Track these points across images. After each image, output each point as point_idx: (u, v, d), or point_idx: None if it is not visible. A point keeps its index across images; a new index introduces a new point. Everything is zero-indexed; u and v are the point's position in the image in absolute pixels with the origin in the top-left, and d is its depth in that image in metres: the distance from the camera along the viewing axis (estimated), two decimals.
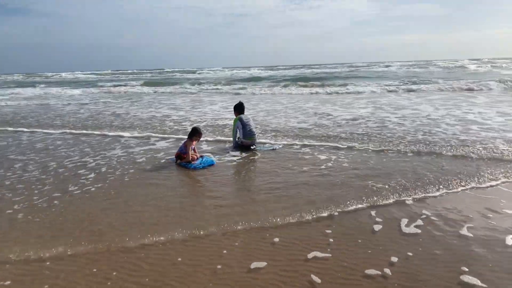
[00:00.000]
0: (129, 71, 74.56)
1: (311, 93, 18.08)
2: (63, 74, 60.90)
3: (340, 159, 5.84)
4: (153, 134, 8.46)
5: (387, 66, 47.39)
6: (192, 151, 6.08)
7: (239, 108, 7.15)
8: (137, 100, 17.93)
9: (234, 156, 6.43)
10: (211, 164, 5.88)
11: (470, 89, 16.51)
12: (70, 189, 4.89)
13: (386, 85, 19.74)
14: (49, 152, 7.16)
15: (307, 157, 6.09)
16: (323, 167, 5.47)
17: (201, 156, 6.15)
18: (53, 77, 54.07)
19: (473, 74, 29.41)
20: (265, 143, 7.17)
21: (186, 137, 6.27)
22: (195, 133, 6.14)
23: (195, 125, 6.66)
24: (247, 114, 7.22)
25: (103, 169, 5.78)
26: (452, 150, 6.09)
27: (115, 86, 28.20)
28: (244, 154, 6.48)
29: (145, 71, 78.43)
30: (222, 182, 5.05)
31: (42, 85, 33.92)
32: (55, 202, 4.43)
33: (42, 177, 5.48)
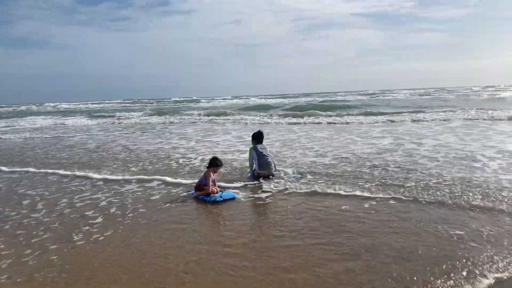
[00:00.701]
0: (144, 100, 75.51)
1: (328, 123, 17.52)
2: (68, 105, 61.83)
3: (383, 209, 4.83)
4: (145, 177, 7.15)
5: (404, 95, 47.01)
6: (212, 183, 5.77)
7: (257, 138, 6.96)
8: (147, 130, 17.70)
9: (265, 192, 5.89)
10: (232, 198, 5.56)
11: (494, 118, 15.82)
12: (74, 238, 4.30)
13: (401, 113, 19.31)
14: (61, 186, 6.86)
15: (345, 206, 5.01)
16: (372, 219, 4.45)
17: (221, 190, 5.81)
18: (63, 107, 55.01)
19: (488, 101, 28.92)
20: (288, 173, 6.90)
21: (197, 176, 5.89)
22: (214, 164, 5.91)
23: (214, 155, 6.37)
24: (265, 144, 7.04)
25: (112, 210, 5.29)
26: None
27: (123, 116, 28.18)
28: (275, 189, 5.97)
29: (156, 99, 79.39)
30: (247, 229, 4.39)
31: (55, 116, 34.31)
32: (52, 258, 3.77)
33: (45, 220, 4.99)
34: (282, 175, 6.80)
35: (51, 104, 65.21)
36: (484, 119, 15.68)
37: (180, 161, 8.90)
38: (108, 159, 9.62)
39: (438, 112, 19.10)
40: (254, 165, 6.65)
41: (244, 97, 73.12)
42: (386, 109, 23.38)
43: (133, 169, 8.22)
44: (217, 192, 5.66)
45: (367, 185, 5.93)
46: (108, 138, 14.69)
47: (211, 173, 5.80)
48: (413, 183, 5.96)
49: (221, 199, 5.47)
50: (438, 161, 7.62)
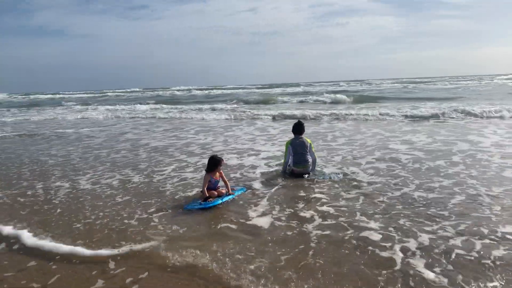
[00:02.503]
0: (159, 88, 73.44)
1: (362, 118, 14.91)
2: (70, 96, 60.85)
3: None
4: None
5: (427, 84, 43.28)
6: (213, 185, 5.03)
7: (294, 129, 6.18)
8: (157, 126, 16.04)
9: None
10: (229, 199, 4.92)
11: None
12: None
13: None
14: None
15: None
16: None
17: (230, 193, 5.04)
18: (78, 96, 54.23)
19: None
20: (324, 173, 6.03)
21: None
22: (212, 165, 4.99)
23: (211, 155, 5.27)
24: (304, 137, 6.13)
25: None
26: None
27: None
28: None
29: (172, 89, 76.67)
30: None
31: (72, 103, 33.17)
32: None
33: None
34: (319, 176, 5.83)
35: (76, 95, 63.98)
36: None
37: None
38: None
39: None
40: (290, 161, 5.98)
41: (261, 86, 70.16)
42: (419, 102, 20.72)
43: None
44: (224, 194, 4.99)
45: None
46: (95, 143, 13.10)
47: (210, 176, 4.99)
48: None
49: (210, 204, 4.69)
50: None
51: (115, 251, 3.52)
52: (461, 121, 11.96)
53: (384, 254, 3.27)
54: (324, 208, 4.49)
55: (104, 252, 3.53)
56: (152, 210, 4.73)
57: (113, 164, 7.66)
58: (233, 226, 4.09)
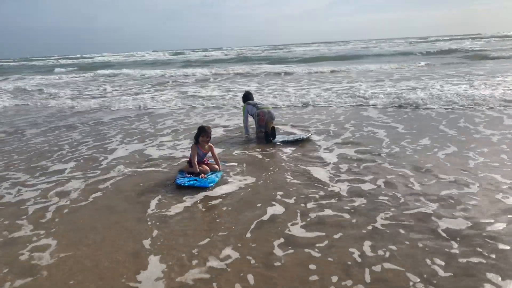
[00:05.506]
0: (106, 54, 65.86)
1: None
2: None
3: None
4: None
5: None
6: (201, 158, 4.49)
7: (246, 97, 6.44)
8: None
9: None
10: (205, 186, 3.93)
11: None
12: None
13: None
14: None
15: None
16: None
17: (214, 170, 4.37)
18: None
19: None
20: (289, 134, 5.98)
21: None
22: (200, 134, 4.41)
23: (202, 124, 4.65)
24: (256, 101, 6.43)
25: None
26: None
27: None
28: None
29: (119, 54, 69.07)
30: None
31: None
32: None
33: None
34: (286, 139, 5.60)
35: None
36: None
37: None
38: None
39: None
40: (254, 110, 5.98)
41: (216, 50, 66.37)
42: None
43: None
44: (206, 174, 4.24)
45: None
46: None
47: (198, 147, 4.45)
48: None
49: (192, 183, 3.96)
50: None
51: None
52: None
53: None
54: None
55: None
56: None
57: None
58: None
